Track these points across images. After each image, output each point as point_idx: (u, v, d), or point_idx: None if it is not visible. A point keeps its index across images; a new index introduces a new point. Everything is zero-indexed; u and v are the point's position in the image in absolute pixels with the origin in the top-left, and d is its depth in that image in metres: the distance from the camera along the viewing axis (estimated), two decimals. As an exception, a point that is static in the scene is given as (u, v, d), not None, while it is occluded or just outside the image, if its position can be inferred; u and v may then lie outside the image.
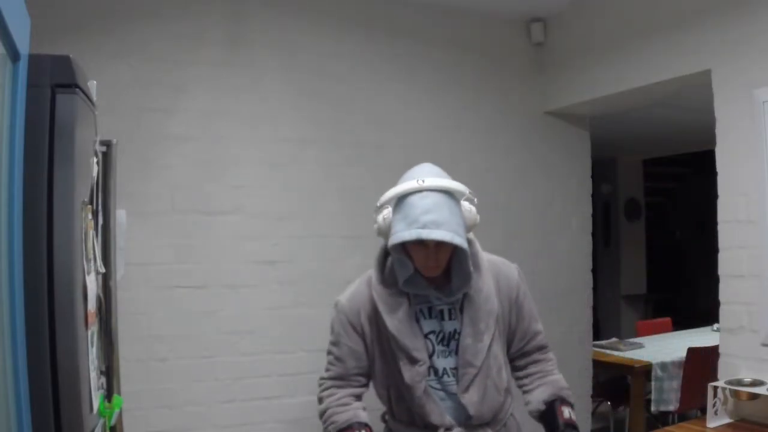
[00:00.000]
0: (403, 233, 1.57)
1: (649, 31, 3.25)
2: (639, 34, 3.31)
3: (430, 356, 1.74)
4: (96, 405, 1.58)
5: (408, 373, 1.71)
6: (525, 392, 1.84)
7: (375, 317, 1.76)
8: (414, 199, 1.59)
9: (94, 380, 1.59)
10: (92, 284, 1.60)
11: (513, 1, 3.75)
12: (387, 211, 1.66)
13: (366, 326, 1.78)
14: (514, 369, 1.89)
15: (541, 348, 1.87)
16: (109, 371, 1.92)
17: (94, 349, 1.63)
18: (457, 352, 1.73)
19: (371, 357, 1.80)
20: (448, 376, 1.75)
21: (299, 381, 3.31)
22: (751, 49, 2.74)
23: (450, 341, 1.74)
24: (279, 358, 3.30)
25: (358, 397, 1.82)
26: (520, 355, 1.86)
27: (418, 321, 1.75)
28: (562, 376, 1.83)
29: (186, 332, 3.12)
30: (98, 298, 1.76)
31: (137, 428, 2.75)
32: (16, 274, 1.19)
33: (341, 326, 1.82)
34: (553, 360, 1.87)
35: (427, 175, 1.63)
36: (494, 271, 1.80)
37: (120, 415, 1.92)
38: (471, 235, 1.75)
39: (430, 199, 1.58)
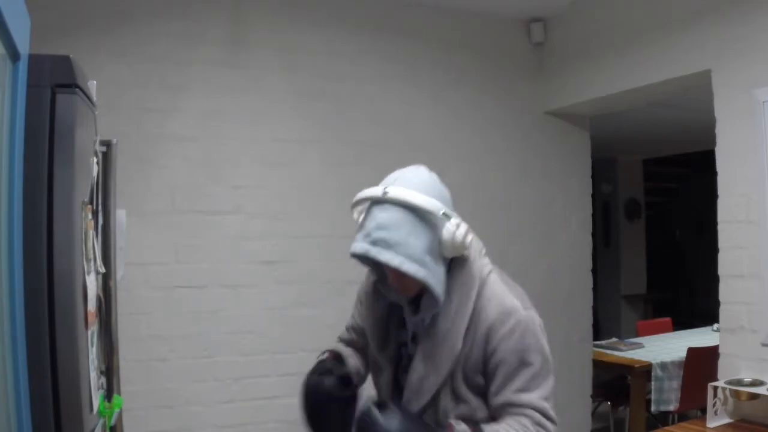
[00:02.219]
0: (355, 244, 1.41)
1: (649, 31, 3.25)
2: (639, 34, 3.31)
3: (397, 367, 1.58)
4: (96, 405, 1.58)
5: (375, 378, 1.65)
6: None
7: None
8: (374, 210, 1.41)
9: (94, 380, 1.59)
10: (92, 284, 1.60)
11: (513, 1, 3.75)
12: (358, 212, 1.50)
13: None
14: None
15: (516, 416, 1.44)
16: (109, 371, 1.92)
17: (94, 349, 1.63)
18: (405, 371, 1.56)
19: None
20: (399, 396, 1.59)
21: (299, 381, 3.28)
22: (750, 49, 2.74)
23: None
24: (279, 358, 3.30)
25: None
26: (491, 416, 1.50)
27: (400, 329, 1.60)
28: None
29: (186, 332, 3.12)
30: (98, 298, 1.76)
31: (137, 428, 2.75)
32: (16, 274, 1.19)
33: (357, 298, 1.75)
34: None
35: (401, 183, 1.42)
36: (480, 308, 1.48)
37: (120, 415, 1.92)
38: (473, 257, 1.51)
39: (388, 213, 1.38)
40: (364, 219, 1.44)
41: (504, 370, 1.45)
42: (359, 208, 1.50)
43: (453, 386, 1.51)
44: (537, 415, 1.43)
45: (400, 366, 1.59)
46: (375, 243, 1.37)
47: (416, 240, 1.38)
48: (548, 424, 1.44)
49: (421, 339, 1.52)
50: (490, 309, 1.47)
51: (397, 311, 1.61)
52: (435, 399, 1.51)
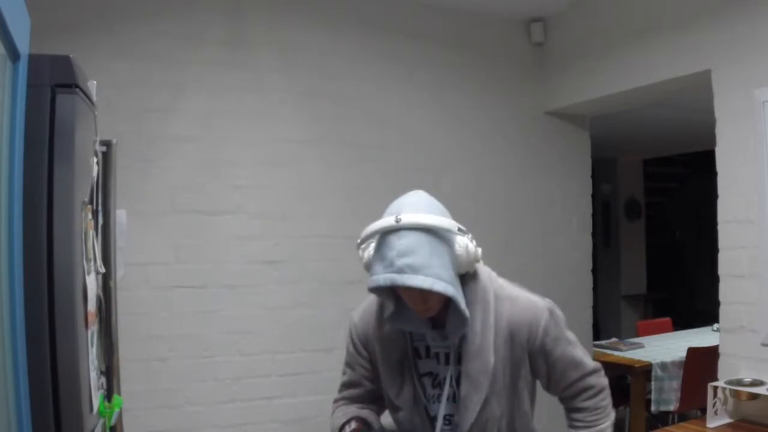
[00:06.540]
0: (378, 277, 1.41)
1: (649, 31, 3.25)
2: (639, 34, 3.31)
3: (425, 398, 1.62)
4: (96, 405, 1.58)
5: (393, 415, 1.66)
6: None
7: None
8: (390, 239, 1.40)
9: (94, 380, 1.59)
10: (92, 284, 1.60)
11: (513, 1, 3.75)
12: (370, 248, 1.50)
13: (372, 348, 1.68)
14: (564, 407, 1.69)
15: (583, 393, 1.61)
16: (109, 371, 1.92)
17: (94, 349, 1.63)
18: (453, 399, 1.59)
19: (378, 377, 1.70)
20: (445, 424, 1.60)
21: (299, 381, 3.31)
22: (751, 49, 2.74)
23: (444, 386, 1.59)
24: (279, 358, 3.30)
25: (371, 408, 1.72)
26: (563, 399, 1.65)
27: (416, 360, 1.62)
28: (606, 425, 1.60)
29: (186, 332, 3.12)
30: (98, 298, 1.76)
31: (137, 428, 2.75)
32: (16, 274, 1.19)
33: (353, 346, 1.71)
34: (600, 407, 1.60)
35: (408, 209, 1.43)
36: (510, 318, 1.56)
37: (120, 415, 1.92)
38: (478, 268, 1.57)
39: (407, 240, 1.39)
40: (380, 251, 1.43)
41: (558, 357, 1.58)
42: (366, 244, 1.50)
43: (496, 396, 1.56)
44: (600, 382, 1.62)
45: (427, 395, 1.62)
46: (401, 271, 1.38)
47: (439, 259, 1.41)
48: (605, 380, 1.64)
49: (462, 360, 1.55)
50: (519, 312, 1.57)
51: (408, 346, 1.62)
52: (481, 413, 1.55)
